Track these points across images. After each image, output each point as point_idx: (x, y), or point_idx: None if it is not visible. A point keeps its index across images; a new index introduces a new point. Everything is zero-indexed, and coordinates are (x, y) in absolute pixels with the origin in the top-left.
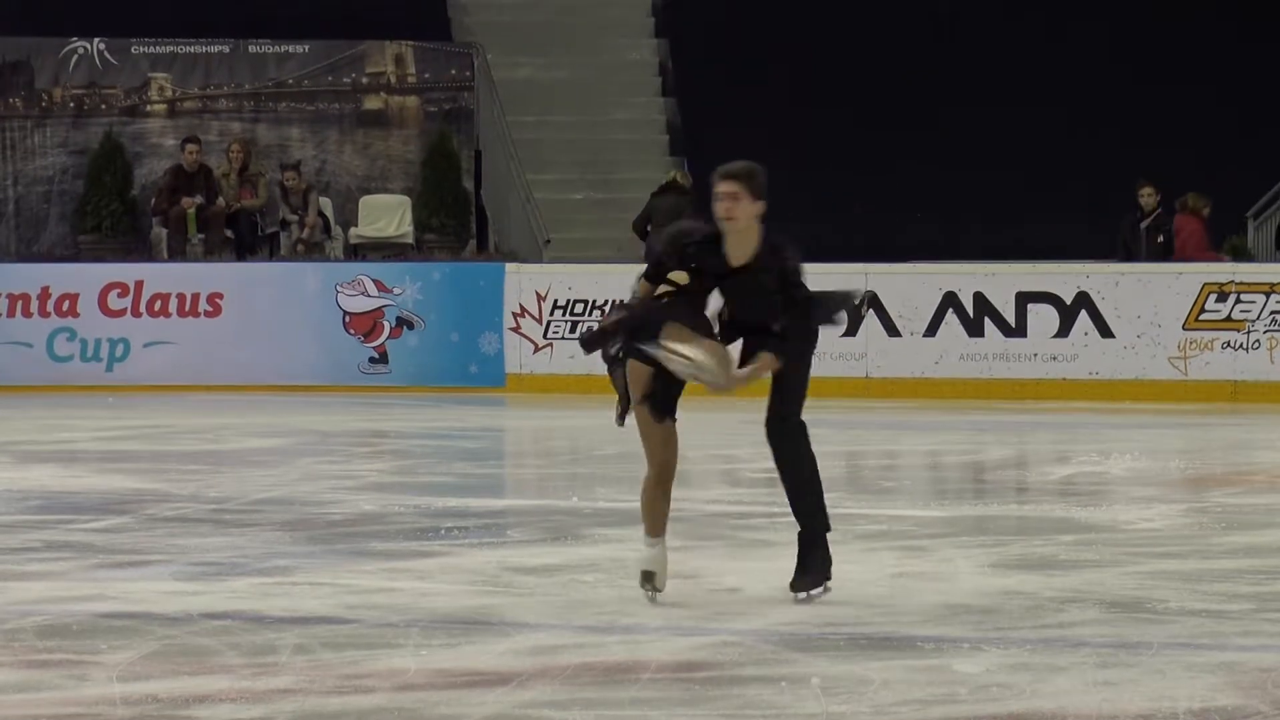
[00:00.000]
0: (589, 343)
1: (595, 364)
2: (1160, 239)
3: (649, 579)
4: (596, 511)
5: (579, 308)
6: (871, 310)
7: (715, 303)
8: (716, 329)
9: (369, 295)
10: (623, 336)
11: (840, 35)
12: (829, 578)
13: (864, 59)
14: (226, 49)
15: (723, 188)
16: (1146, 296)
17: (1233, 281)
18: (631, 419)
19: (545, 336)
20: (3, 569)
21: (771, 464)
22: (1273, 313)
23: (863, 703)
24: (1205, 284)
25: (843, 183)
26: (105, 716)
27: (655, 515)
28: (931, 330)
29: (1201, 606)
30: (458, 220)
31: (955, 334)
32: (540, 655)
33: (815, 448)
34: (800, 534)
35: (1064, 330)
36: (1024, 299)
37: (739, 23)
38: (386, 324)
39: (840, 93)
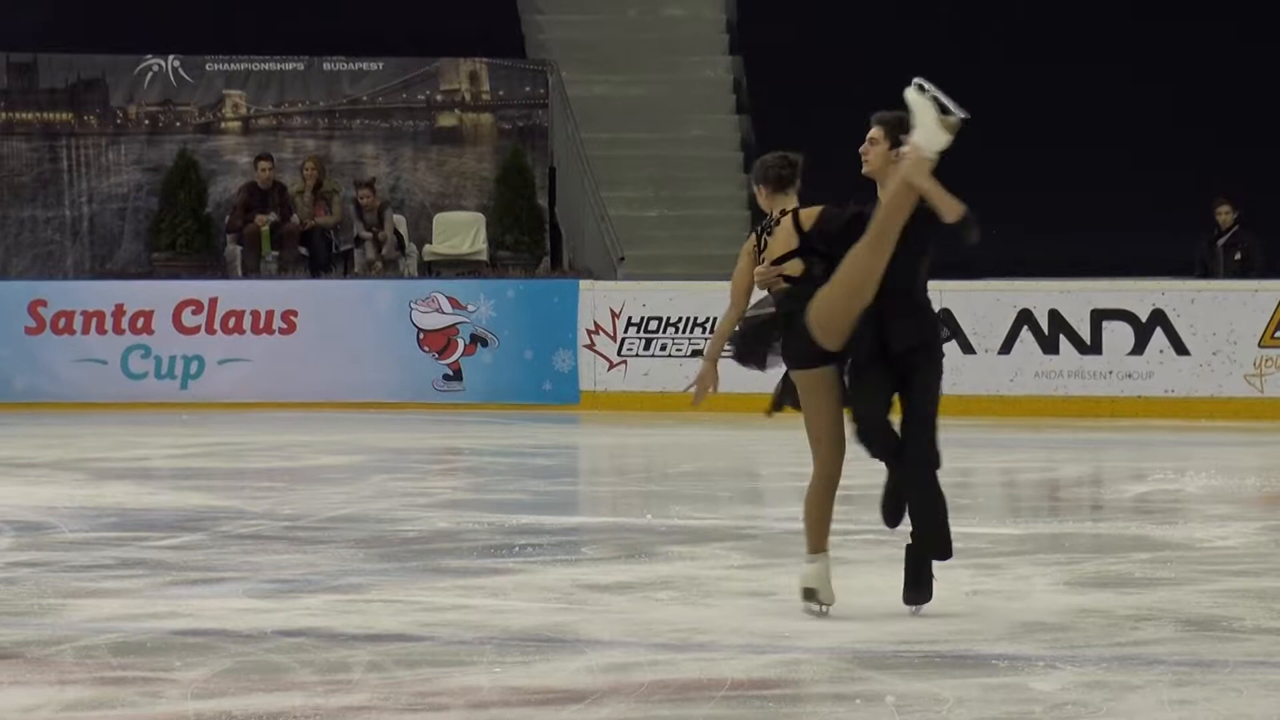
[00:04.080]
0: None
1: (670, 381)
2: (1237, 256)
3: (812, 595)
4: (671, 529)
5: (653, 325)
6: (946, 329)
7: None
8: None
9: (443, 312)
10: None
11: (914, 52)
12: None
13: (938, 76)
14: (301, 66)
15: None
16: (1222, 313)
17: None
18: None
19: (619, 354)
20: (77, 586)
21: (846, 482)
22: None
23: None
24: None
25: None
26: None
27: (823, 528)
28: (1006, 348)
29: (1277, 625)
30: (531, 237)
31: (1030, 351)
32: (614, 673)
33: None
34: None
35: (1139, 347)
36: (1099, 316)
37: (813, 40)
38: (460, 341)
39: None
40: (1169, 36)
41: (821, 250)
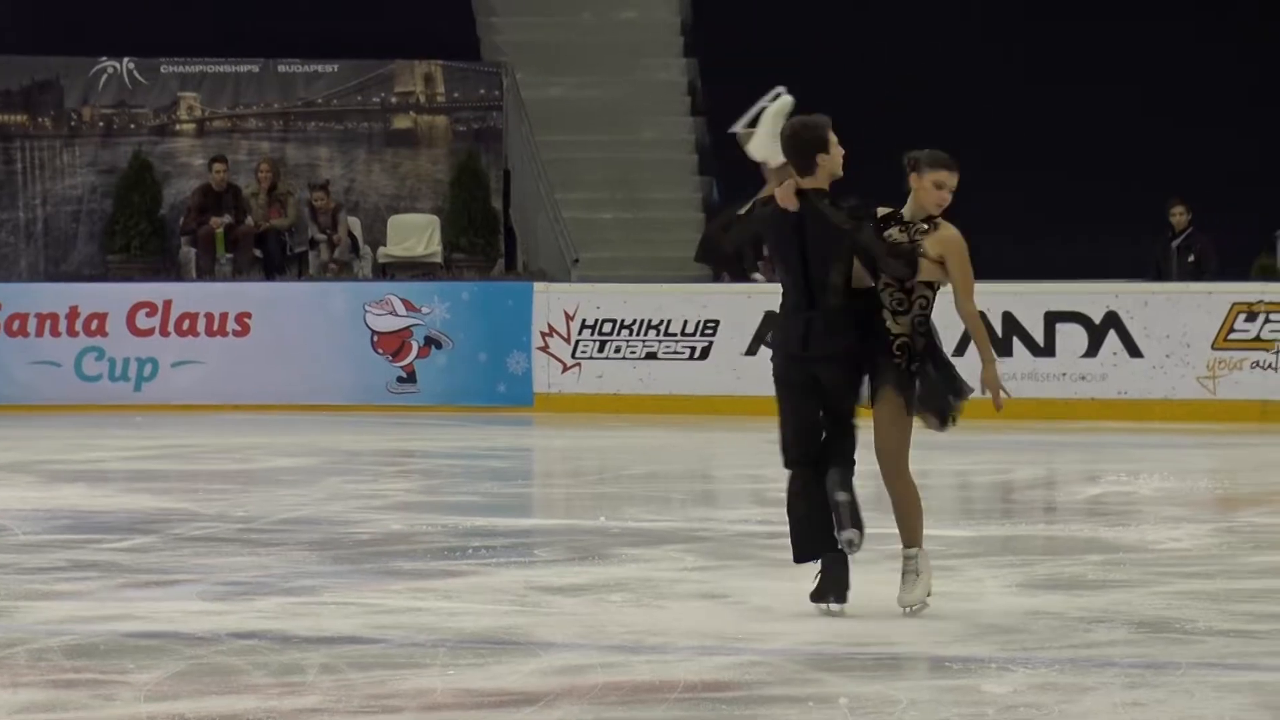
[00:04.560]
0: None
1: (624, 383)
2: (1191, 258)
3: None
4: (624, 531)
5: (607, 327)
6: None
7: None
8: None
9: (397, 315)
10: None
11: (870, 54)
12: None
13: (894, 79)
14: (255, 68)
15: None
16: (1175, 316)
17: (1262, 301)
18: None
19: (573, 356)
20: (30, 588)
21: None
22: None
23: None
24: (1234, 304)
25: (872, 203)
26: None
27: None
28: (960, 350)
29: (1230, 626)
30: (486, 240)
31: None
32: (567, 675)
33: None
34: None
35: (1093, 350)
36: (1053, 318)
37: (768, 42)
38: (414, 343)
39: (869, 112)
40: (1123, 38)
41: None
